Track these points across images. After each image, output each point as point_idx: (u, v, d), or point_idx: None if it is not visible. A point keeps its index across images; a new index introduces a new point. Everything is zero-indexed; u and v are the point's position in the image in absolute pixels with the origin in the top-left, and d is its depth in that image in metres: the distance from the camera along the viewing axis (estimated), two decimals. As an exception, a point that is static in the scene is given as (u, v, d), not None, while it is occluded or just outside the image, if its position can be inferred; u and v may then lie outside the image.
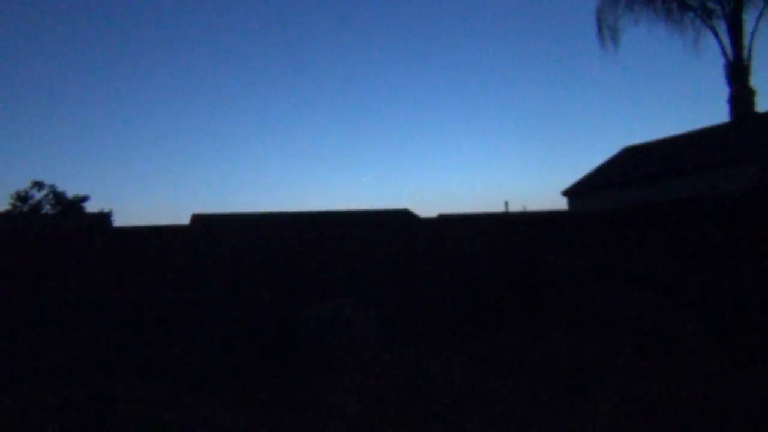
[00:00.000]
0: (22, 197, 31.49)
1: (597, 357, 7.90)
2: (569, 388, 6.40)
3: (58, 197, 32.17)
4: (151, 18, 57.77)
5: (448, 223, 13.57)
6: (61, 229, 13.94)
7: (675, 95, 61.77)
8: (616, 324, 10.66)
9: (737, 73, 23.40)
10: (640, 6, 22.02)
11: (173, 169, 60.38)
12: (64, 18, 55.29)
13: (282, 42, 61.77)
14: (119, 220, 31.83)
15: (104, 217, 29.85)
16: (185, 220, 14.78)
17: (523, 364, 7.64)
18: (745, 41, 23.51)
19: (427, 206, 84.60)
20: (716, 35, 23.98)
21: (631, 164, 23.96)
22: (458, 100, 65.87)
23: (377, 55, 63.60)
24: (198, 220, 14.79)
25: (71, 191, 32.46)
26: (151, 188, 58.73)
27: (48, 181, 32.08)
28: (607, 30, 22.93)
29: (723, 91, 23.73)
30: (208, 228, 13.44)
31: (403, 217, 15.82)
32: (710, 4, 24.09)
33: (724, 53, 23.74)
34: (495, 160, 66.19)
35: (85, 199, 32.87)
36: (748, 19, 23.48)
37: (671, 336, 9.28)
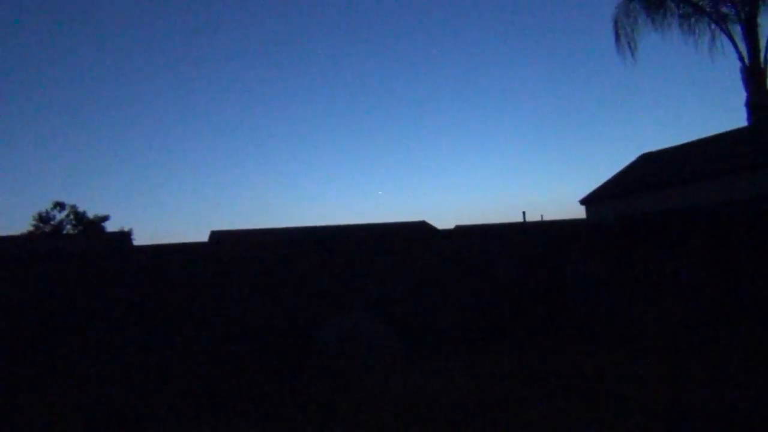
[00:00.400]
0: (43, 218, 31.91)
1: (622, 367, 7.83)
2: (596, 399, 6.35)
3: (79, 217, 32.56)
4: (170, 42, 58.52)
5: (465, 234, 13.55)
6: (81, 248, 14.12)
7: (692, 101, 61.28)
8: (639, 333, 10.59)
9: (754, 77, 23.20)
10: (655, 12, 21.93)
11: (192, 187, 60.86)
12: (83, 42, 56.14)
13: (297, 56, 62.20)
14: (139, 239, 32.07)
15: (124, 236, 30.10)
16: (204, 237, 14.92)
17: (546, 375, 7.60)
18: (762, 45, 23.34)
19: (444, 218, 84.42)
20: (732, 40, 23.82)
21: (649, 171, 23.78)
22: (473, 109, 65.83)
23: (392, 66, 63.81)
24: (216, 236, 14.92)
25: (92, 211, 32.94)
26: (170, 207, 59.17)
27: (69, 202, 32.55)
28: (624, 38, 22.72)
29: (740, 96, 23.54)
30: (226, 244, 13.53)
31: (421, 229, 15.84)
32: (725, 9, 23.96)
33: (741, 58, 23.57)
34: (512, 170, 65.93)
35: (105, 218, 33.27)
36: (764, 23, 23.33)
37: (698, 345, 9.18)
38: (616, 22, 23.98)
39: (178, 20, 57.18)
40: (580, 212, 25.13)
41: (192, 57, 59.18)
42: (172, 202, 59.41)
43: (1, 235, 25.83)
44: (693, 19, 24.12)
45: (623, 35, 23.66)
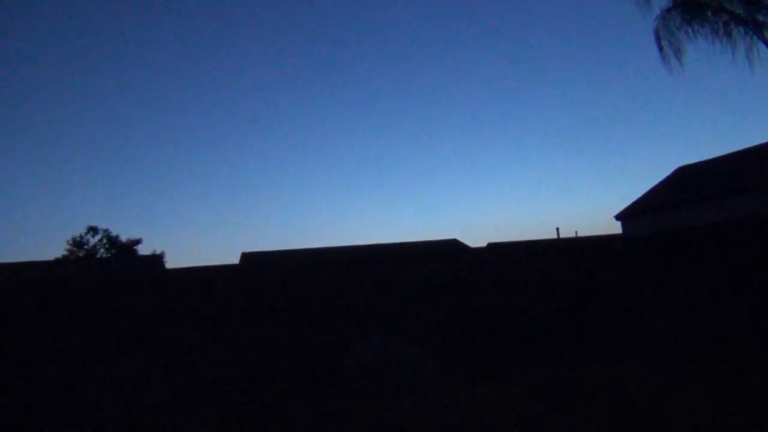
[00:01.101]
0: (77, 243, 32.48)
1: (660, 386, 7.61)
2: (634, 419, 6.15)
3: (112, 241, 33.10)
4: (195, 64, 59.56)
5: (498, 251, 13.36)
6: (115, 271, 14.29)
7: (729, 112, 60.32)
8: (677, 350, 10.31)
9: (793, 86, 22.68)
10: (692, 22, 21.65)
11: (222, 209, 61.50)
12: (116, 73, 57.43)
13: (330, 83, 62.82)
14: (171, 261, 32.45)
15: (157, 259, 30.47)
16: (235, 259, 15.02)
17: (584, 394, 7.40)
18: (800, 53, 22.79)
19: (476, 235, 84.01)
20: (769, 48, 23.32)
21: (686, 184, 23.38)
22: (504, 125, 65.68)
23: (421, 84, 64.07)
24: (248, 258, 14.94)
25: (125, 235, 33.49)
26: (202, 229, 59.83)
27: (102, 226, 33.15)
28: (668, 47, 22.53)
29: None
30: (258, 265, 13.54)
31: (452, 247, 15.67)
32: (761, 17, 23.52)
33: (778, 66, 23.06)
34: (545, 186, 65.45)
35: (138, 242, 33.80)
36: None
37: (736, 361, 8.90)
38: (657, 33, 23.69)
39: (205, 49, 58.19)
40: (616, 228, 24.80)
41: (224, 86, 60.08)
42: (203, 224, 60.06)
43: (37, 259, 26.28)
44: (730, 28, 23.73)
45: (666, 45, 23.35)
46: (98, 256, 32.44)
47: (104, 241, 33.25)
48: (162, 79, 58.97)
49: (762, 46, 23.73)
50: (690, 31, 23.20)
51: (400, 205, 65.58)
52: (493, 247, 14.34)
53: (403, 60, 62.99)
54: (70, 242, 32.63)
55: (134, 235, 33.95)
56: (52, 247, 58.44)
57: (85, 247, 32.79)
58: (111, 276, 12.04)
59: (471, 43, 61.53)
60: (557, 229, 22.78)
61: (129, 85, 58.27)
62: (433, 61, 62.95)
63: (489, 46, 61.31)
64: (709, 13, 22.15)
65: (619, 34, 58.69)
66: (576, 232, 22.20)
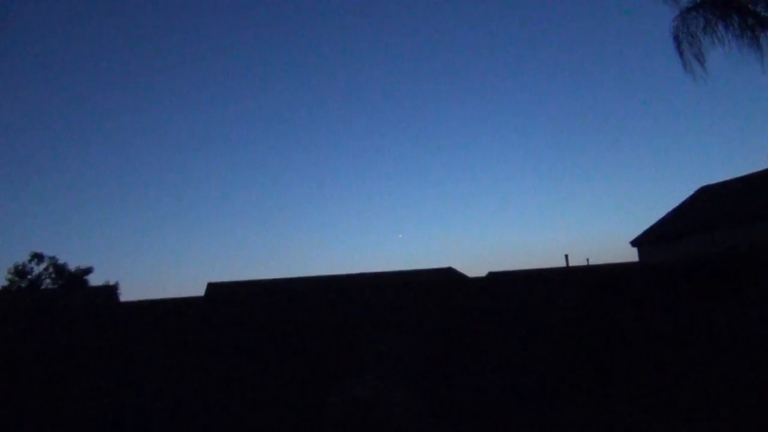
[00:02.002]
0: (20, 271, 31.97)
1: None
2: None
3: (60, 270, 32.61)
4: (156, 89, 59.63)
5: (499, 281, 13.27)
6: (62, 304, 14.01)
7: (755, 126, 60.65)
8: (701, 397, 10.11)
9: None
10: (718, 24, 21.78)
11: (184, 237, 60.95)
12: (62, 86, 57.37)
13: (314, 100, 63.06)
14: (126, 294, 32.06)
15: (110, 291, 30.07)
16: (200, 291, 14.83)
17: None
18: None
19: (474, 264, 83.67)
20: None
21: (709, 207, 23.42)
22: (507, 142, 65.85)
23: (418, 94, 64.33)
24: (214, 289, 14.76)
25: (73, 263, 33.06)
26: (162, 257, 59.24)
27: (48, 253, 32.68)
28: (689, 51, 22.55)
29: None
30: (224, 298, 13.31)
31: (447, 276, 15.58)
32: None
33: (809, 75, 23.26)
34: (552, 208, 65.16)
35: (88, 271, 33.29)
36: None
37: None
38: (676, 36, 23.82)
39: (155, 70, 58.32)
40: (632, 255, 24.77)
41: (177, 106, 60.11)
42: (162, 253, 59.43)
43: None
44: (757, 33, 23.93)
45: (687, 50, 23.44)
46: (43, 286, 31.96)
47: (50, 269, 32.75)
48: (115, 91, 58.94)
49: (791, 52, 23.92)
50: (714, 34, 23.35)
51: (389, 230, 65.37)
52: (494, 277, 14.21)
53: (399, 70, 63.36)
54: (12, 271, 32.12)
55: (84, 264, 33.51)
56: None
57: (29, 276, 32.30)
58: (59, 308, 11.77)
59: (472, 54, 62.07)
60: (566, 256, 22.67)
61: (78, 95, 58.13)
62: (432, 71, 63.35)
63: (494, 57, 61.87)
64: (735, 16, 22.33)
65: (631, 42, 59.35)
66: (587, 259, 22.16)
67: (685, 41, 23.12)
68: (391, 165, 64.80)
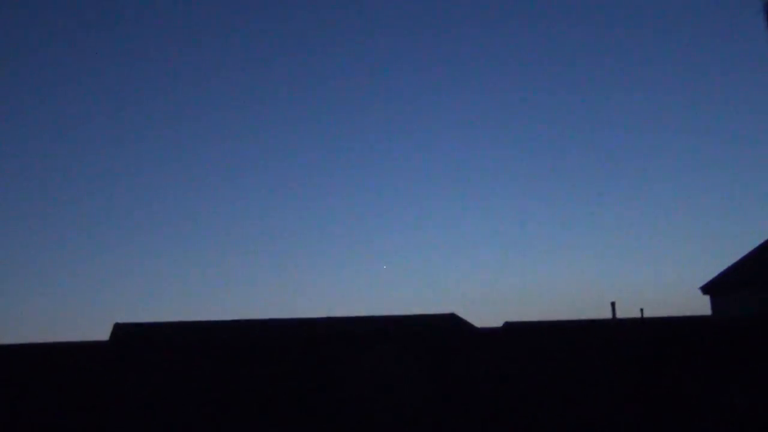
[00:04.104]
0: None
1: None
2: None
3: None
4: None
5: (520, 334, 13.32)
6: None
7: None
8: None
9: None
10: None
11: (91, 272, 60.11)
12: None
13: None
14: (6, 336, 32.38)
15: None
16: (104, 334, 14.90)
17: None
18: None
19: (484, 312, 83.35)
20: None
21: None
22: (528, 156, 65.64)
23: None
24: (123, 331, 14.63)
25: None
26: (57, 290, 58.45)
27: None
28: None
29: None
30: (139, 342, 13.74)
31: (449, 325, 15.29)
32: None
33: None
34: (592, 245, 64.37)
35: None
36: None
37: None
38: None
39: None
40: (702, 305, 24.41)
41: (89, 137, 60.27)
42: (59, 283, 58.69)
43: None
44: None
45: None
46: None
47: None
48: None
49: None
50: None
51: (371, 262, 64.70)
52: (511, 328, 13.91)
53: (396, 105, 63.58)
54: None
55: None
56: None
57: None
58: None
59: (510, 62, 62.30)
60: (612, 304, 22.20)
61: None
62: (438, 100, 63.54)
63: (531, 66, 62.05)
64: None
65: (711, 67, 59.63)
66: (641, 310, 21.71)
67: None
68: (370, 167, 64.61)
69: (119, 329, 14.66)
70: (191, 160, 55.57)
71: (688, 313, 20.43)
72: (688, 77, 57.74)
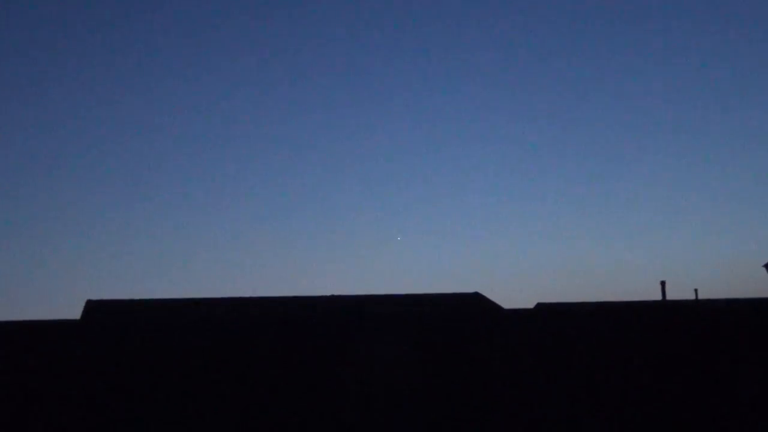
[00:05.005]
0: None
1: None
2: None
3: None
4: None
5: (554, 316, 12.78)
6: None
7: None
8: None
9: None
10: None
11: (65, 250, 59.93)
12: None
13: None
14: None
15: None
16: (76, 313, 14.51)
17: None
18: None
19: (511, 291, 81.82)
20: None
21: None
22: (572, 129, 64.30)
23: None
24: (95, 309, 14.16)
25: None
26: (25, 271, 58.37)
27: None
28: None
29: None
30: (114, 320, 13.64)
31: (472, 305, 14.46)
32: None
33: None
34: (636, 216, 62.70)
35: None
36: None
37: None
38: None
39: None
40: (765, 285, 22.90)
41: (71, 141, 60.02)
42: (30, 260, 58.61)
43: None
44: None
45: None
46: None
47: None
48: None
49: None
50: None
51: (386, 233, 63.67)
52: (544, 309, 13.53)
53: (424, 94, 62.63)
54: None
55: None
56: None
57: None
58: None
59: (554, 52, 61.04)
60: (662, 283, 20.92)
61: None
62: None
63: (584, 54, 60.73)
64: None
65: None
66: (696, 290, 20.57)
67: None
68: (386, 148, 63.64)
69: (91, 306, 14.29)
70: (170, 130, 55.15)
71: (749, 294, 19.28)
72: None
